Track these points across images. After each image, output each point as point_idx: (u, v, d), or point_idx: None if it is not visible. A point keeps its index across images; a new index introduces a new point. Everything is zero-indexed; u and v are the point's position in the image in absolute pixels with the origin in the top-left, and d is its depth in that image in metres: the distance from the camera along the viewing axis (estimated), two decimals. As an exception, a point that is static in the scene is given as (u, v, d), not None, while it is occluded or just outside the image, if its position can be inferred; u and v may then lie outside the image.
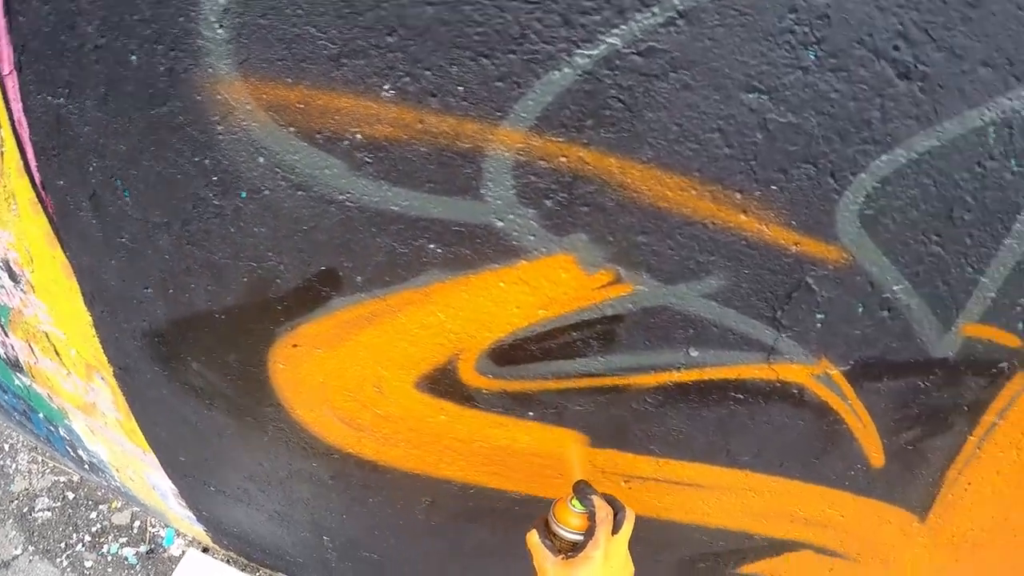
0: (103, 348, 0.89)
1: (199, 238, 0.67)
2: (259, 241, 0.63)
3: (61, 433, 1.22)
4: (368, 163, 0.55)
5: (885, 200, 0.53)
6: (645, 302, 0.55)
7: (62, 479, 1.70)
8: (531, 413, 0.65)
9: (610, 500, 0.61)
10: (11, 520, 1.61)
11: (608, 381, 0.61)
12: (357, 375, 0.67)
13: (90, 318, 0.86)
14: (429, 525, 0.85)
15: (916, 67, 0.49)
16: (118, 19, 0.62)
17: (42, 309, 0.92)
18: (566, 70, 0.49)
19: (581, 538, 0.58)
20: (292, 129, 0.56)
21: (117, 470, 1.19)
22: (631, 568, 0.60)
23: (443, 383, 0.64)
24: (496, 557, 0.93)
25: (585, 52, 0.48)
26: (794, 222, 0.52)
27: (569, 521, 0.60)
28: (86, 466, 1.31)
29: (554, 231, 0.53)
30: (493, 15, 0.48)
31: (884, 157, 0.51)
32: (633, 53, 0.48)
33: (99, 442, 1.14)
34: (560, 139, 0.50)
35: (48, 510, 1.63)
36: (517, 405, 0.65)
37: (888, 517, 0.79)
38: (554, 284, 0.55)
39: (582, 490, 0.60)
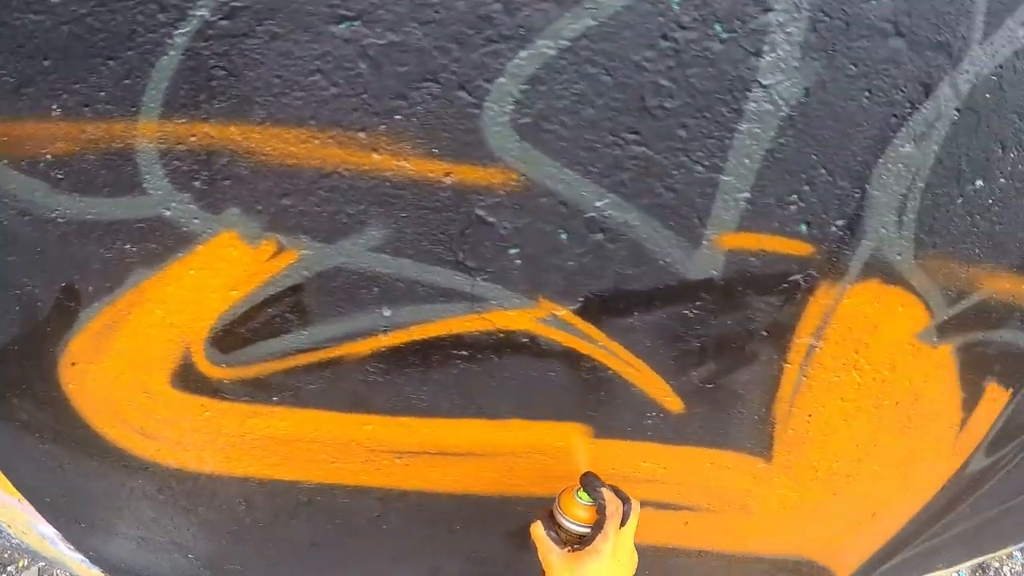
0: None
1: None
2: (13, 269, 0.70)
3: None
4: (61, 179, 0.61)
5: (542, 103, 0.50)
6: (316, 267, 0.56)
7: None
8: (274, 398, 0.67)
9: (616, 492, 0.62)
10: None
11: (322, 355, 0.61)
12: (126, 383, 0.72)
13: None
14: (258, 528, 0.86)
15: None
16: None
17: None
18: (172, 53, 0.52)
19: (588, 531, 0.60)
20: (5, 161, 0.64)
21: (9, 526, 1.29)
22: (635, 560, 0.62)
23: (191, 380, 0.68)
24: (331, 552, 0.92)
25: (181, 31, 0.51)
26: (436, 150, 0.51)
27: (576, 513, 0.61)
28: None
29: (210, 210, 0.56)
30: (108, 19, 0.53)
31: (523, 53, 0.49)
32: (220, 19, 0.50)
33: None
34: (184, 120, 0.54)
35: None
36: (258, 391, 0.66)
37: (723, 462, 0.71)
38: (230, 263, 0.58)
39: (590, 482, 0.61)
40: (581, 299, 0.57)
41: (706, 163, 0.53)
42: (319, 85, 0.50)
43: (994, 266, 0.69)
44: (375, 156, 0.52)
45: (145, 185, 0.58)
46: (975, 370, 0.77)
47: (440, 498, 0.74)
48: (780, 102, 0.52)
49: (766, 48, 0.50)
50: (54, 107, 0.58)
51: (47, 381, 0.78)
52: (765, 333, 0.62)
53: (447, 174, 0.52)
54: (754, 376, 0.65)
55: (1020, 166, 0.65)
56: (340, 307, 0.58)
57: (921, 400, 0.74)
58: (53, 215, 0.64)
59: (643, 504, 0.74)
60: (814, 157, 0.55)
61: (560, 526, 0.61)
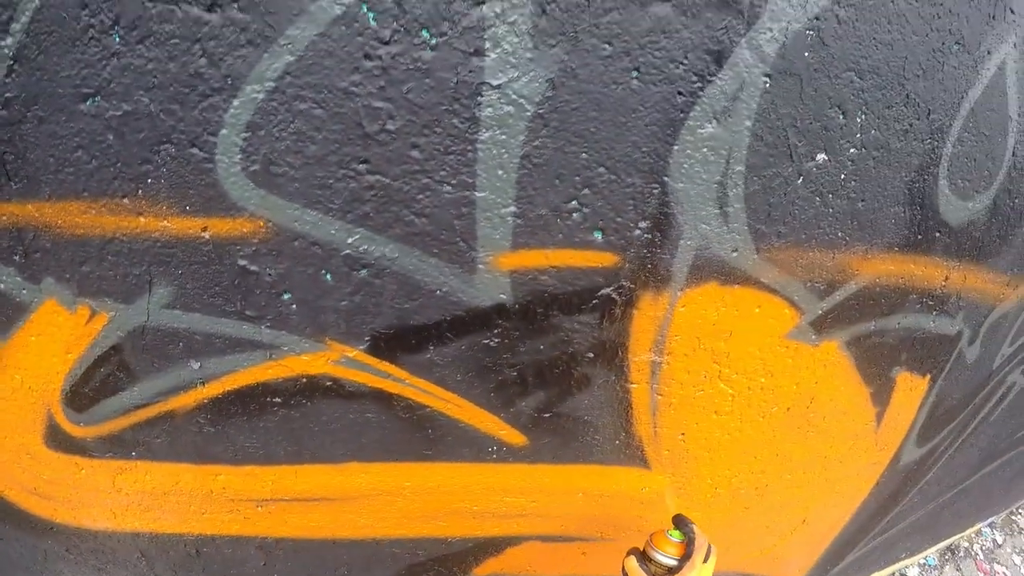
0: None
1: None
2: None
3: None
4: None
5: (265, 146, 0.53)
6: (125, 326, 0.62)
7: None
8: (133, 453, 0.73)
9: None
10: None
11: (157, 409, 0.67)
12: (10, 446, 0.81)
13: None
14: (163, 583, 0.93)
15: None
16: None
17: None
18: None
19: (676, 562, 0.72)
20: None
21: None
22: None
23: (59, 438, 0.75)
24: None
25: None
26: (188, 207, 0.55)
27: (666, 548, 0.74)
28: None
29: (31, 280, 0.63)
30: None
31: (236, 102, 0.52)
32: (0, 109, 0.58)
33: None
34: (-10, 201, 0.61)
35: None
36: (118, 447, 0.73)
37: (598, 490, 0.68)
38: (59, 328, 0.65)
39: (682, 520, 0.76)
40: (368, 338, 0.59)
41: (452, 182, 0.53)
42: (82, 160, 0.56)
43: (867, 248, 0.63)
44: (141, 219, 0.57)
45: (-24, 263, 0.67)
46: (877, 362, 0.70)
47: (316, 544, 0.78)
48: (521, 100, 0.51)
49: (487, 45, 0.49)
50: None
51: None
52: (591, 355, 0.60)
53: (204, 229, 0.56)
54: (596, 401, 0.63)
55: (873, 131, 0.59)
56: (156, 363, 0.64)
57: (817, 402, 0.68)
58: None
59: (523, 539, 0.73)
60: (585, 156, 0.53)
61: (651, 560, 0.73)
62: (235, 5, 0.51)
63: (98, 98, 0.54)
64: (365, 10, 0.50)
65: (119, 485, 0.77)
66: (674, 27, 0.51)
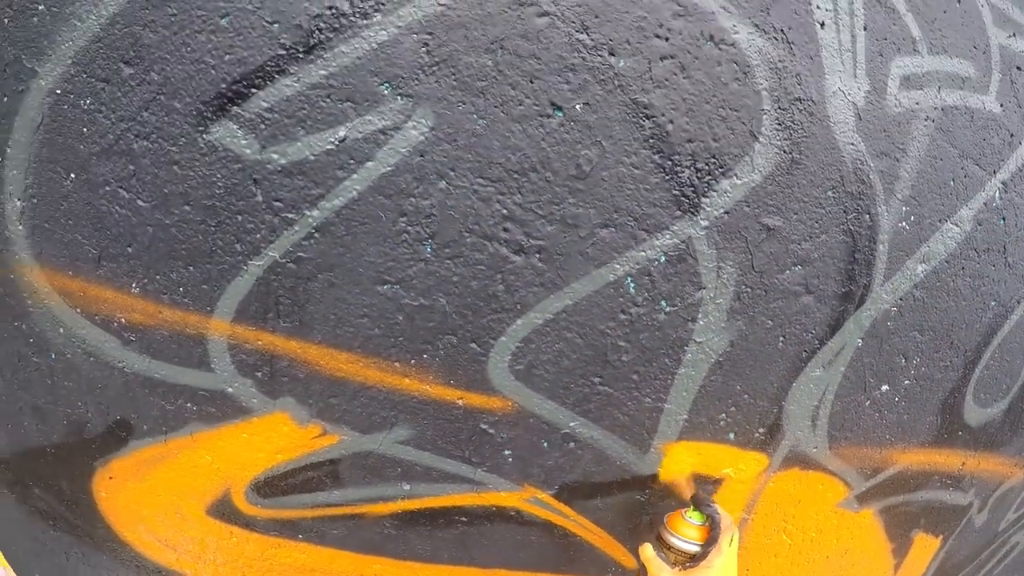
0: None
1: (26, 386, 1.01)
2: (69, 393, 0.96)
3: None
4: (133, 341, 0.87)
5: (532, 356, 0.79)
6: (352, 448, 0.84)
7: None
8: (300, 535, 0.94)
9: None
10: None
11: (348, 510, 0.89)
12: (162, 503, 0.99)
13: None
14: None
15: (529, 242, 0.75)
16: None
17: None
18: (246, 276, 0.79)
19: (698, 548, 0.74)
20: (78, 310, 0.90)
21: None
22: None
23: (226, 511, 0.95)
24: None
25: (255, 263, 0.78)
26: (452, 381, 0.79)
27: (686, 532, 0.75)
28: None
29: (268, 395, 0.83)
30: (191, 235, 0.79)
31: (519, 321, 0.77)
32: (288, 262, 0.77)
33: None
34: (253, 327, 0.80)
35: None
36: (287, 530, 0.94)
37: None
38: (280, 435, 0.85)
39: (702, 499, 0.76)
40: (557, 486, 0.86)
41: (652, 397, 0.83)
42: (365, 326, 0.78)
43: (905, 446, 1.01)
44: (406, 380, 0.80)
45: (212, 365, 0.84)
46: (901, 525, 1.09)
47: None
48: (711, 352, 0.81)
49: (700, 316, 0.79)
50: (133, 285, 0.84)
51: (77, 484, 1.05)
52: (705, 510, 0.93)
53: (460, 399, 0.80)
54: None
55: (924, 368, 0.96)
56: (368, 479, 0.86)
57: (851, 553, 1.06)
58: (120, 365, 0.90)
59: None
60: (738, 387, 0.84)
61: (670, 547, 0.75)
62: (537, 256, 0.75)
63: (397, 287, 0.76)
64: (629, 281, 0.77)
65: (268, 556, 0.97)
66: (812, 310, 0.84)
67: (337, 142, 0.73)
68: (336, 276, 0.76)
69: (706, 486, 0.88)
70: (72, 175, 0.84)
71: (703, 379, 0.82)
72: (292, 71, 0.73)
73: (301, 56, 0.73)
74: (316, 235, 0.75)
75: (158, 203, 0.79)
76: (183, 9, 0.76)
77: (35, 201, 0.88)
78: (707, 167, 0.76)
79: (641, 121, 0.74)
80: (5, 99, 0.88)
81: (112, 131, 0.80)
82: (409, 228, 0.74)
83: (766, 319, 0.81)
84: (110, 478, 1.00)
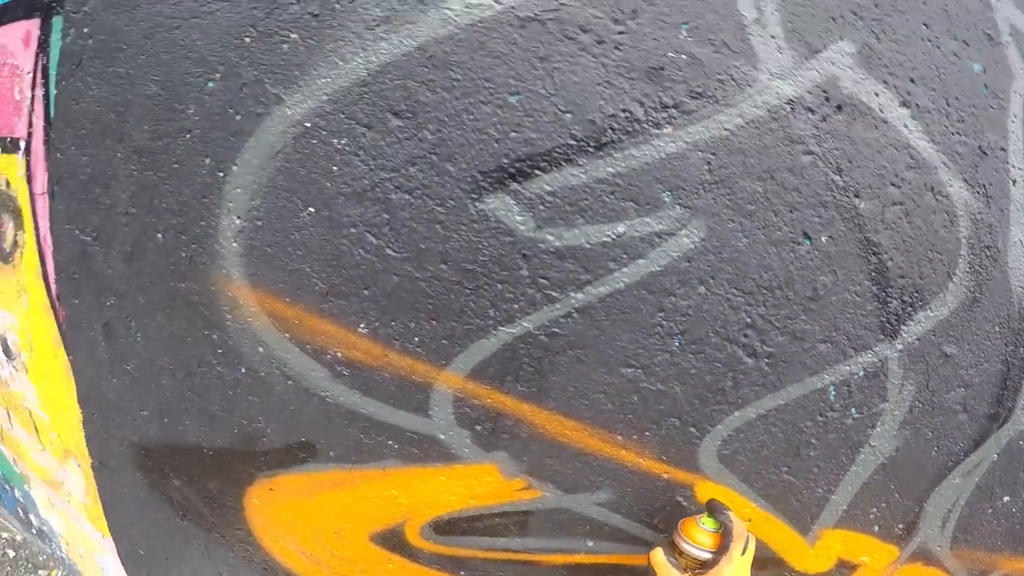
0: (86, 442, 1.28)
1: (199, 390, 1.04)
2: (251, 407, 1.00)
3: (16, 495, 1.62)
4: (345, 375, 0.92)
5: (739, 444, 0.89)
6: (551, 504, 0.93)
7: (4, 534, 2.16)
8: (462, 572, 1.02)
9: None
10: None
11: (523, 556, 0.98)
12: (322, 522, 1.04)
13: (80, 414, 1.25)
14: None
15: (762, 348, 0.85)
16: (149, 200, 1.00)
17: (31, 391, 1.31)
18: (493, 339, 0.85)
19: (709, 555, 0.76)
20: (287, 335, 0.93)
21: (67, 543, 1.59)
22: None
23: (392, 540, 1.02)
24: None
25: (507, 330, 0.84)
26: (664, 457, 0.89)
27: (698, 539, 0.78)
28: (34, 530, 1.72)
29: (482, 448, 0.90)
30: (442, 293, 0.85)
31: (736, 413, 0.87)
32: (541, 335, 0.84)
33: (56, 515, 1.53)
34: (487, 386, 0.87)
35: None
36: (452, 565, 1.03)
37: None
38: (482, 484, 0.93)
39: (716, 507, 0.79)
40: None
41: (824, 488, 0.95)
42: (601, 400, 0.86)
43: (1012, 553, 1.18)
44: (623, 451, 0.88)
45: (430, 412, 0.90)
46: None
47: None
48: (879, 455, 0.94)
49: (879, 424, 0.92)
50: (361, 326, 0.89)
51: (230, 488, 1.08)
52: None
53: (666, 472, 0.90)
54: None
55: None
56: (555, 532, 0.95)
57: None
58: (323, 394, 0.94)
59: None
60: (892, 487, 0.98)
61: (682, 552, 0.77)
62: (766, 360, 0.85)
63: (640, 371, 0.84)
64: (832, 389, 0.88)
65: (420, 583, 1.05)
66: (965, 426, 0.97)
67: (614, 236, 0.80)
68: (586, 354, 0.84)
69: (842, 569, 1.02)
70: (311, 209, 0.88)
71: (868, 477, 0.94)
72: (580, 163, 0.79)
73: (591, 150, 0.79)
74: (575, 315, 0.82)
75: (411, 256, 0.84)
76: (468, 77, 0.81)
77: (259, 224, 0.91)
78: (911, 300, 0.88)
79: (869, 256, 0.85)
80: (238, 117, 0.91)
81: (369, 177, 0.84)
82: (664, 323, 0.82)
83: (928, 431, 0.95)
84: (270, 489, 1.05)
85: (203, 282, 0.98)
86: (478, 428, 0.91)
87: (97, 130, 1.06)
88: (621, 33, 0.78)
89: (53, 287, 1.15)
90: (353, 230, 0.87)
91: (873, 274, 0.86)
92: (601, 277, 0.82)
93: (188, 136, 0.96)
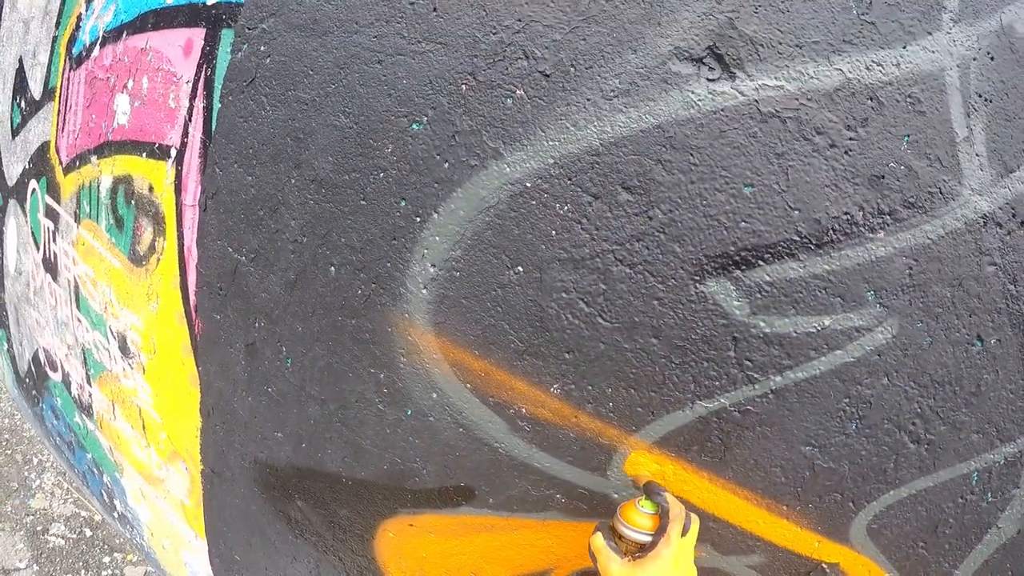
0: (201, 449, 1.25)
1: (352, 424, 1.04)
2: (410, 447, 1.01)
3: (104, 479, 1.57)
4: (526, 430, 0.95)
5: (887, 519, 0.98)
6: (704, 563, 0.99)
7: (83, 513, 2.08)
8: None
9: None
10: (22, 532, 1.99)
11: None
12: (460, 562, 1.07)
13: (200, 423, 1.22)
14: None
15: (925, 435, 0.94)
16: (324, 231, 0.99)
17: (146, 391, 1.27)
18: (688, 412, 0.91)
19: (649, 538, 0.75)
20: (468, 386, 0.95)
21: (152, 534, 1.55)
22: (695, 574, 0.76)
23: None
24: None
25: (704, 404, 0.90)
26: (820, 528, 0.97)
27: (637, 522, 0.77)
28: (116, 515, 1.67)
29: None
30: (647, 364, 0.90)
31: (892, 492, 0.96)
32: (736, 411, 0.90)
33: (146, 506, 1.50)
34: (671, 454, 0.92)
35: (62, 538, 2.01)
36: None
37: None
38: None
39: (653, 488, 0.78)
40: None
41: (950, 564, 1.04)
42: (776, 474, 0.93)
43: None
44: (784, 521, 0.96)
45: (608, 473, 0.95)
46: None
47: None
48: (1002, 536, 1.05)
49: (1008, 508, 1.02)
50: (555, 386, 0.93)
51: (363, 518, 1.09)
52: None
53: (817, 542, 0.98)
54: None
55: None
56: None
57: None
58: (496, 445, 0.97)
59: None
60: (1008, 565, 1.10)
61: (621, 536, 0.76)
62: (925, 447, 0.95)
63: (816, 450, 0.92)
64: (975, 475, 0.98)
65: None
66: None
67: (819, 328, 0.87)
68: (772, 431, 0.90)
69: None
70: (520, 268, 0.90)
71: (989, 555, 1.06)
72: (801, 258, 0.85)
73: (812, 247, 0.85)
74: (770, 396, 0.89)
75: (622, 327, 0.88)
76: (706, 163, 0.85)
77: (457, 275, 0.92)
78: (1049, 396, 1.00)
79: (1029, 359, 0.96)
80: (446, 165, 0.92)
81: (590, 246, 0.88)
82: (847, 408, 0.90)
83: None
84: (410, 525, 1.07)
85: (378, 321, 0.97)
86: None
87: (268, 152, 1.03)
88: (852, 139, 0.82)
89: (192, 298, 1.12)
90: (565, 295, 0.90)
91: (1027, 373, 0.97)
92: (801, 364, 0.89)
93: (382, 175, 0.96)
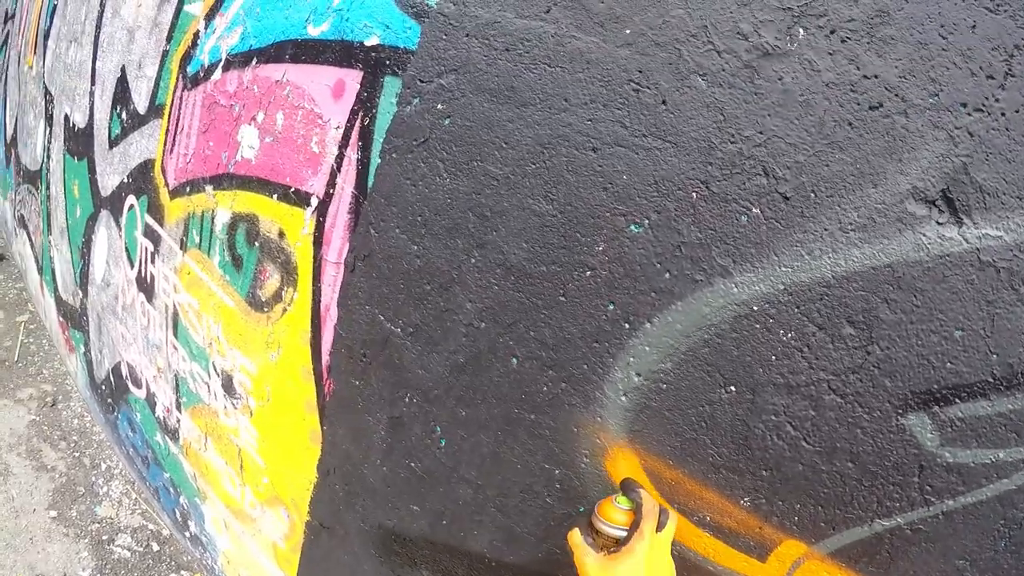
0: (312, 503, 1.16)
1: (510, 512, 1.02)
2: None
3: (180, 500, 1.44)
4: (707, 536, 1.00)
5: None
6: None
7: (151, 526, 1.86)
8: None
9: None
10: (87, 540, 1.80)
11: None
12: None
13: (315, 479, 1.13)
14: None
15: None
16: (510, 320, 0.94)
17: (251, 434, 1.15)
18: (866, 528, 0.98)
19: (625, 533, 0.76)
20: (657, 492, 0.98)
21: (228, 561, 1.43)
22: (672, 571, 0.77)
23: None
24: None
25: (882, 522, 0.98)
26: None
27: (613, 517, 0.78)
28: (187, 534, 1.53)
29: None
30: (839, 485, 0.96)
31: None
32: (908, 529, 0.99)
33: (227, 536, 1.39)
34: (842, 564, 1.01)
35: (128, 550, 1.80)
36: None
37: None
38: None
39: (629, 485, 0.79)
40: None
41: None
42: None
43: None
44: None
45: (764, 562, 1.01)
46: None
47: None
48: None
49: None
50: (744, 499, 0.97)
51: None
52: None
53: None
54: None
55: None
56: None
57: None
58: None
59: None
60: None
61: (598, 531, 0.78)
62: None
63: (967, 563, 1.04)
64: None
65: None
66: None
67: (994, 459, 0.97)
68: (934, 547, 0.99)
69: None
70: (732, 388, 0.91)
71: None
72: (991, 398, 0.94)
73: (1002, 388, 0.94)
74: (940, 517, 0.99)
75: (823, 451, 0.92)
76: (927, 305, 0.89)
77: (664, 387, 0.92)
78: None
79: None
80: (668, 275, 0.90)
81: (807, 374, 0.90)
82: (1001, 528, 1.01)
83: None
84: None
85: (563, 420, 0.90)
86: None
87: (442, 224, 0.93)
88: None
89: (325, 358, 1.02)
90: (774, 418, 0.90)
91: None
92: (973, 490, 0.99)
93: (589, 273, 0.90)
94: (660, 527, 0.77)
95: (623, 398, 0.85)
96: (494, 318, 0.89)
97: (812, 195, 0.82)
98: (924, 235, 0.82)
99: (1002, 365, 0.87)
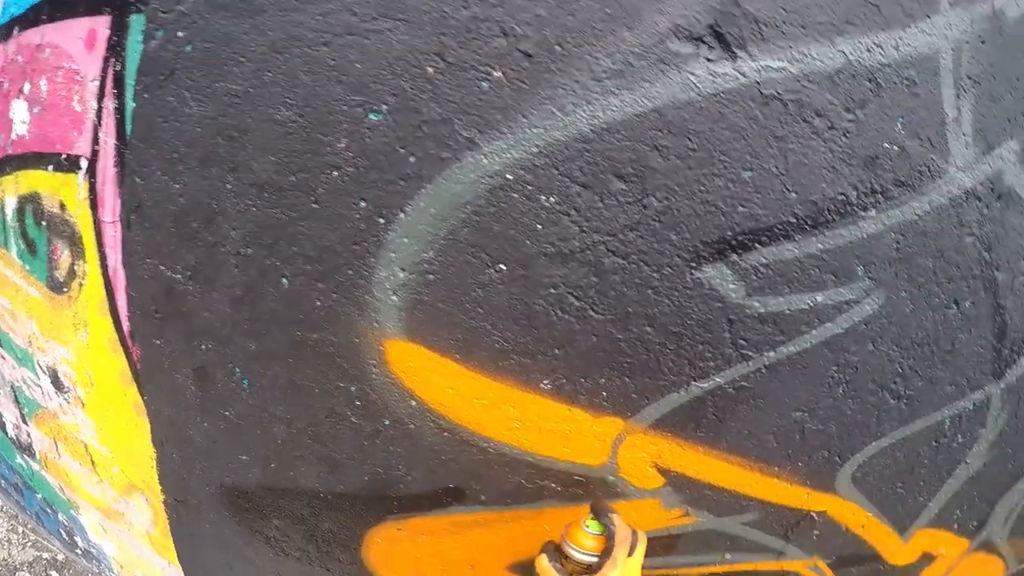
0: (160, 480, 1.24)
1: (325, 439, 1.06)
2: (391, 456, 1.05)
3: (59, 518, 1.55)
4: (517, 428, 1.00)
5: (870, 467, 1.12)
6: (702, 527, 1.11)
7: (44, 555, 2.05)
8: None
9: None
10: None
11: (663, 572, 1.17)
12: (456, 556, 1.14)
13: (154, 453, 1.20)
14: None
15: (905, 392, 1.06)
16: (272, 241, 0.96)
17: (89, 425, 1.23)
18: (683, 393, 0.98)
19: (596, 559, 0.79)
20: (451, 390, 0.99)
21: (121, 566, 1.55)
22: None
23: (526, 568, 1.15)
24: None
25: (699, 384, 0.98)
26: (809, 482, 1.10)
27: (583, 543, 0.81)
28: (79, 551, 1.66)
29: (645, 486, 1.05)
30: (641, 352, 0.95)
31: (873, 444, 1.09)
32: (730, 388, 0.98)
33: (110, 540, 1.49)
34: (668, 433, 1.00)
35: None
36: None
37: None
38: (641, 515, 1.07)
39: (601, 508, 0.82)
40: (834, 557, 1.22)
41: (925, 497, 1.21)
42: (768, 440, 1.02)
43: None
44: (775, 480, 1.07)
45: (604, 458, 1.02)
46: None
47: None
48: (971, 469, 1.22)
49: (975, 446, 1.18)
50: (544, 382, 0.97)
51: (348, 529, 1.13)
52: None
53: (806, 494, 1.11)
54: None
55: None
56: (699, 549, 1.13)
57: None
58: (484, 444, 1.01)
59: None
60: (975, 493, 1.25)
61: (567, 557, 0.80)
62: (904, 402, 1.07)
63: (806, 414, 1.02)
64: (947, 421, 1.13)
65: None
66: None
67: (812, 304, 0.94)
68: (764, 402, 0.99)
69: (923, 560, 1.33)
70: (502, 266, 0.92)
71: (958, 487, 1.22)
72: (796, 239, 0.91)
73: (807, 228, 0.91)
74: (764, 371, 0.97)
75: (615, 318, 0.92)
76: (705, 148, 0.87)
77: (431, 278, 0.93)
78: (1019, 348, 1.13)
79: (995, 316, 1.07)
80: (412, 159, 0.90)
81: (579, 238, 0.90)
82: (835, 375, 1.00)
83: (1009, 449, 1.23)
84: (399, 530, 1.12)
85: (344, 334, 0.96)
86: (649, 469, 1.06)
87: (197, 156, 0.96)
88: (850, 121, 0.86)
89: (125, 324, 1.07)
90: (553, 291, 0.91)
91: (996, 330, 1.09)
92: (793, 339, 0.96)
93: (335, 174, 0.91)
94: (631, 551, 0.80)
95: (393, 297, 0.87)
96: (258, 241, 0.92)
97: (558, 48, 0.82)
98: (692, 74, 0.82)
99: (804, 204, 0.86)
